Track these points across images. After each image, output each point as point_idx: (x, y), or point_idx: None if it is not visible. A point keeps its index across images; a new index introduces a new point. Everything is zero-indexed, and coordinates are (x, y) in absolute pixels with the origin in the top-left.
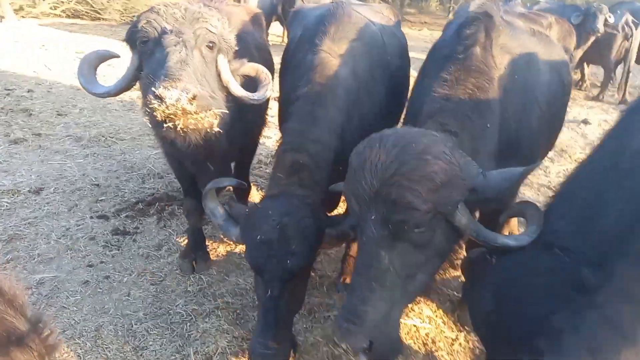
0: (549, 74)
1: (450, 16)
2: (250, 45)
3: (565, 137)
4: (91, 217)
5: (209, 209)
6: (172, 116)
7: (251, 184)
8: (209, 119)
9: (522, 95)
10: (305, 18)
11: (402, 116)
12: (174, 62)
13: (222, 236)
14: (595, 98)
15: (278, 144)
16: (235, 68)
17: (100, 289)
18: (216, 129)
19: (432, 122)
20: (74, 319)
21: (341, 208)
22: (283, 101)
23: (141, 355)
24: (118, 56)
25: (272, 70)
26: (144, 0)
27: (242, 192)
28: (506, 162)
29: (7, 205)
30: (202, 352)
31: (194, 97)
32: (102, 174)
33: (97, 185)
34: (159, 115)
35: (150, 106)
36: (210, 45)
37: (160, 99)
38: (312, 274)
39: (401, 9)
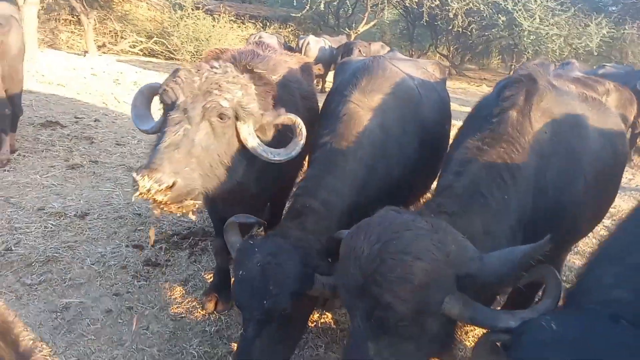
0: (600, 142)
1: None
2: (295, 93)
3: (625, 205)
4: (127, 246)
5: (229, 244)
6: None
7: None
8: (185, 207)
9: (565, 163)
10: (350, 69)
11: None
12: (164, 146)
13: None
14: None
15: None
16: (268, 121)
17: (121, 319)
18: (197, 207)
19: (429, 204)
20: (90, 348)
21: None
22: (311, 149)
23: None
24: None
25: (316, 117)
26: (214, 43)
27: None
28: (543, 234)
29: (52, 227)
30: None
31: (168, 188)
32: (146, 204)
33: (139, 214)
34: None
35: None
36: (222, 117)
37: (136, 184)
38: (334, 325)
39: (461, 64)
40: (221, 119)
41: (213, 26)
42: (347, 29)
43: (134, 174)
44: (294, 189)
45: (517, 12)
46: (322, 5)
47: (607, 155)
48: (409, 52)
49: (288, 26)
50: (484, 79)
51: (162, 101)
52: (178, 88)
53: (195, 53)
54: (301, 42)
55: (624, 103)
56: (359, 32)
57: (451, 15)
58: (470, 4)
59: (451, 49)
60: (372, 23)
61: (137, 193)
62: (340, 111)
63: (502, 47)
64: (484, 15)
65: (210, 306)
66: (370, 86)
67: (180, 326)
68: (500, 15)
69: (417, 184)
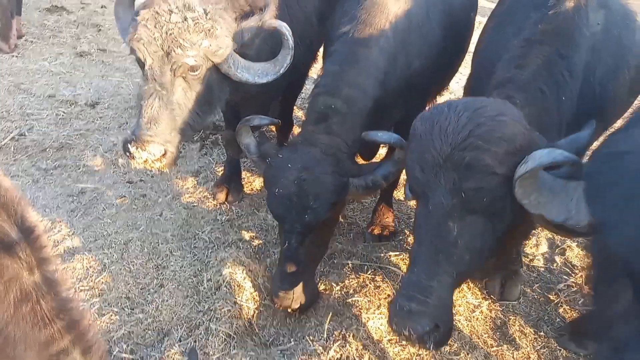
0: None
1: None
2: None
3: None
4: None
5: (243, 145)
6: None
7: (293, 122)
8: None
9: (614, 58)
10: None
11: (469, 69)
12: (146, 120)
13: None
14: None
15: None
16: (249, 38)
17: (135, 205)
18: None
19: (499, 93)
20: (106, 230)
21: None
22: (327, 38)
23: (161, 273)
24: None
25: None
26: None
27: (284, 129)
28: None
29: (63, 115)
30: (215, 280)
31: (163, 156)
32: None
33: None
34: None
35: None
36: (194, 69)
37: (132, 156)
38: (342, 219)
39: None
40: (193, 71)
41: None
42: None
43: (129, 147)
44: (314, 87)
45: None
46: None
47: None
48: None
49: None
50: None
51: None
52: (143, 49)
53: None
54: None
55: None
56: None
57: None
58: None
59: None
60: None
61: (135, 163)
62: None
63: None
64: None
65: (222, 196)
66: None
67: (193, 214)
68: None
69: (438, 78)
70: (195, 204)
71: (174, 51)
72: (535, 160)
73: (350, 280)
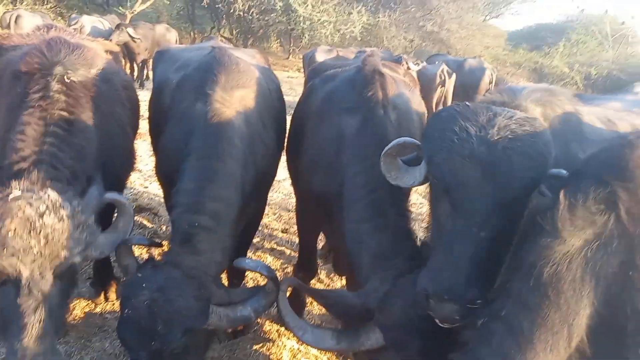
0: (419, 123)
1: (292, 58)
2: (117, 85)
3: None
4: None
5: (122, 267)
6: None
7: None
8: None
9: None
10: (178, 60)
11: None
12: (33, 340)
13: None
14: None
15: (170, 207)
16: (88, 206)
17: None
18: None
19: None
20: None
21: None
22: (163, 155)
23: None
24: None
25: (138, 108)
26: None
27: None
28: None
29: None
30: None
31: None
32: None
33: None
34: None
35: None
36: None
37: None
38: None
39: (245, 47)
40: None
41: None
42: (119, 8)
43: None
44: (173, 208)
45: None
46: None
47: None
48: (191, 34)
49: (46, 2)
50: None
51: None
52: (17, 263)
53: None
54: (73, 22)
55: (414, 83)
56: (135, 12)
57: None
58: None
59: (234, 32)
60: (148, 3)
61: None
62: (204, 111)
63: (280, 31)
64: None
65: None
66: (230, 82)
67: None
68: (277, 1)
69: (274, 170)
70: None
71: (60, 254)
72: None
73: None
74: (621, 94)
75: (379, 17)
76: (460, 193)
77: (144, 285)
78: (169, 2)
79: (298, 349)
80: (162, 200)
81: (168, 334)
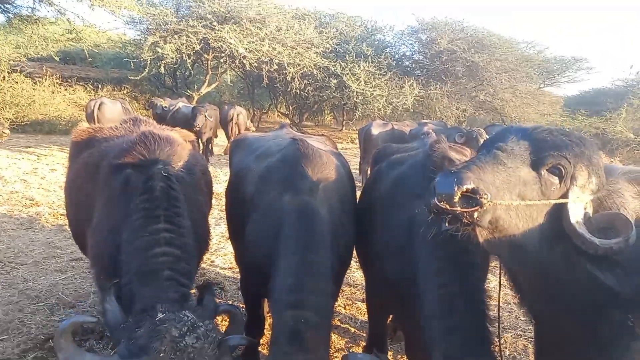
0: None
1: (345, 130)
2: (199, 174)
3: None
4: None
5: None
6: None
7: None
8: None
9: None
10: (257, 149)
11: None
12: None
13: None
14: None
15: (270, 304)
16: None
17: None
18: None
19: None
20: None
21: None
22: (249, 243)
23: None
24: None
25: (212, 189)
26: (37, 109)
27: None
28: None
29: None
30: None
31: None
32: (2, 307)
33: None
34: None
35: None
36: None
37: None
38: None
39: (300, 122)
40: None
41: (34, 89)
42: (187, 91)
43: None
44: (273, 303)
45: (345, 76)
46: (162, 68)
47: None
48: (250, 110)
49: (123, 88)
50: (322, 134)
51: None
52: None
53: (15, 120)
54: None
55: None
56: (202, 94)
57: (289, 78)
58: (304, 69)
59: (290, 108)
60: (213, 85)
61: None
62: (292, 203)
63: (333, 105)
64: (317, 78)
65: None
66: (315, 174)
67: None
68: (331, 79)
69: (352, 252)
70: None
71: None
72: None
73: None
74: None
75: (430, 90)
76: None
77: None
78: (232, 85)
79: None
80: (227, 274)
81: None
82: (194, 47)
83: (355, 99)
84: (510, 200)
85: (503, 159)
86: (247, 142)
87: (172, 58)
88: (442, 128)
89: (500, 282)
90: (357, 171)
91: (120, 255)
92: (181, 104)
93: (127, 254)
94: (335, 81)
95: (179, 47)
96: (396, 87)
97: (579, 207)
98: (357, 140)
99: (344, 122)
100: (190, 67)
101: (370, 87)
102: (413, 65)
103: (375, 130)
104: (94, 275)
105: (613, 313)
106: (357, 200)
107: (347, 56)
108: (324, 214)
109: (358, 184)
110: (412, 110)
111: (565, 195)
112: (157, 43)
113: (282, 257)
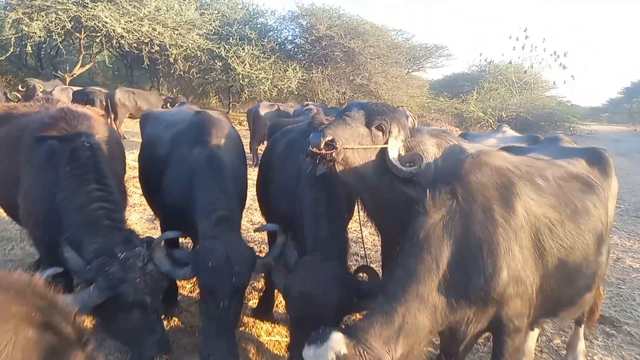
0: None
1: (232, 112)
2: (115, 144)
3: None
4: None
5: (157, 259)
6: None
7: None
8: None
9: None
10: (164, 121)
11: None
12: None
13: None
14: None
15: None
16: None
17: None
18: None
19: None
20: None
21: None
22: (168, 189)
23: None
24: None
25: (124, 155)
26: None
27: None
28: None
29: None
30: None
31: None
32: None
33: None
34: None
35: None
36: None
37: None
38: None
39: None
40: None
41: None
42: (59, 72)
43: None
44: (193, 212)
45: (230, 59)
46: (28, 47)
47: None
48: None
49: None
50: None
51: None
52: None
53: None
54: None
55: None
56: (74, 76)
57: (171, 60)
58: (188, 50)
59: (174, 90)
60: (87, 66)
61: None
62: (203, 152)
63: (219, 88)
64: (202, 60)
65: None
66: (218, 133)
67: None
68: (216, 61)
69: (245, 191)
70: None
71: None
72: None
73: None
74: (495, 133)
75: (312, 73)
76: None
77: (216, 247)
78: (110, 65)
79: (272, 328)
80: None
81: (242, 272)
82: (64, 26)
83: (241, 81)
84: (353, 145)
85: (349, 122)
86: (153, 116)
87: (39, 37)
88: (324, 109)
89: (360, 212)
90: (248, 150)
91: (54, 213)
92: (58, 88)
93: (67, 211)
94: (220, 64)
95: (47, 25)
96: (280, 70)
97: (394, 150)
98: (244, 123)
99: (230, 105)
100: (61, 47)
101: (256, 70)
102: (295, 50)
103: (263, 111)
104: (29, 232)
105: (415, 208)
106: (259, 165)
107: (230, 39)
108: (227, 161)
109: (249, 162)
110: (296, 93)
111: (386, 143)
112: (22, 20)
113: (198, 189)
